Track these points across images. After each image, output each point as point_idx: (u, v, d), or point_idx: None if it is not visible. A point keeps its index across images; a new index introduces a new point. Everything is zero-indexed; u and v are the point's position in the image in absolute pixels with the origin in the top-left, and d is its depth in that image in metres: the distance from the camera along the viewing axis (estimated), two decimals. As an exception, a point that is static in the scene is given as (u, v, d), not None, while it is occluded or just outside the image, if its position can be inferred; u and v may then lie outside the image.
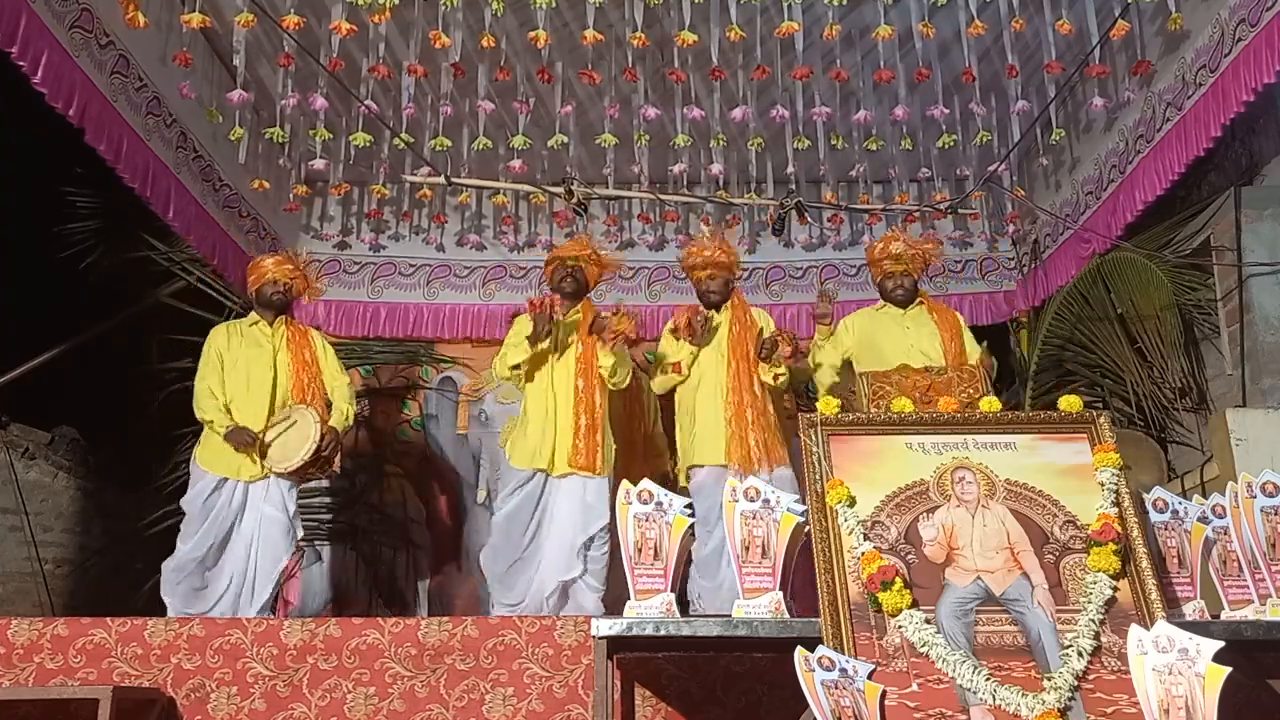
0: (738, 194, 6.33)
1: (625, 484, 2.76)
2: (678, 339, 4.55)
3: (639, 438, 5.23)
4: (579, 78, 5.39)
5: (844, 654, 2.40)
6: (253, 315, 4.60)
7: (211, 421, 4.29)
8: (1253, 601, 2.78)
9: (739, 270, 4.88)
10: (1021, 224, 6.85)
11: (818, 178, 6.47)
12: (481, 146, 5.49)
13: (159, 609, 4.14)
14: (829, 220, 6.89)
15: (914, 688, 2.41)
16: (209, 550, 4.18)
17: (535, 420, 4.37)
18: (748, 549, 2.70)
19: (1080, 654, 2.46)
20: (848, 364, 4.71)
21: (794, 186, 6.07)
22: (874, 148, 5.96)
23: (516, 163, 5.57)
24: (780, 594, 2.65)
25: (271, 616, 4.22)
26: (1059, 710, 2.36)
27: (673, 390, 4.71)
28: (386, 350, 6.82)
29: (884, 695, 2.36)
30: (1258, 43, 4.30)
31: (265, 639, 3.37)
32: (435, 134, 5.64)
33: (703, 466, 4.41)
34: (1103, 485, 2.74)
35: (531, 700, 3.26)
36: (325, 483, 6.38)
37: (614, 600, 4.49)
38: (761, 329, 4.58)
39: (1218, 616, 2.79)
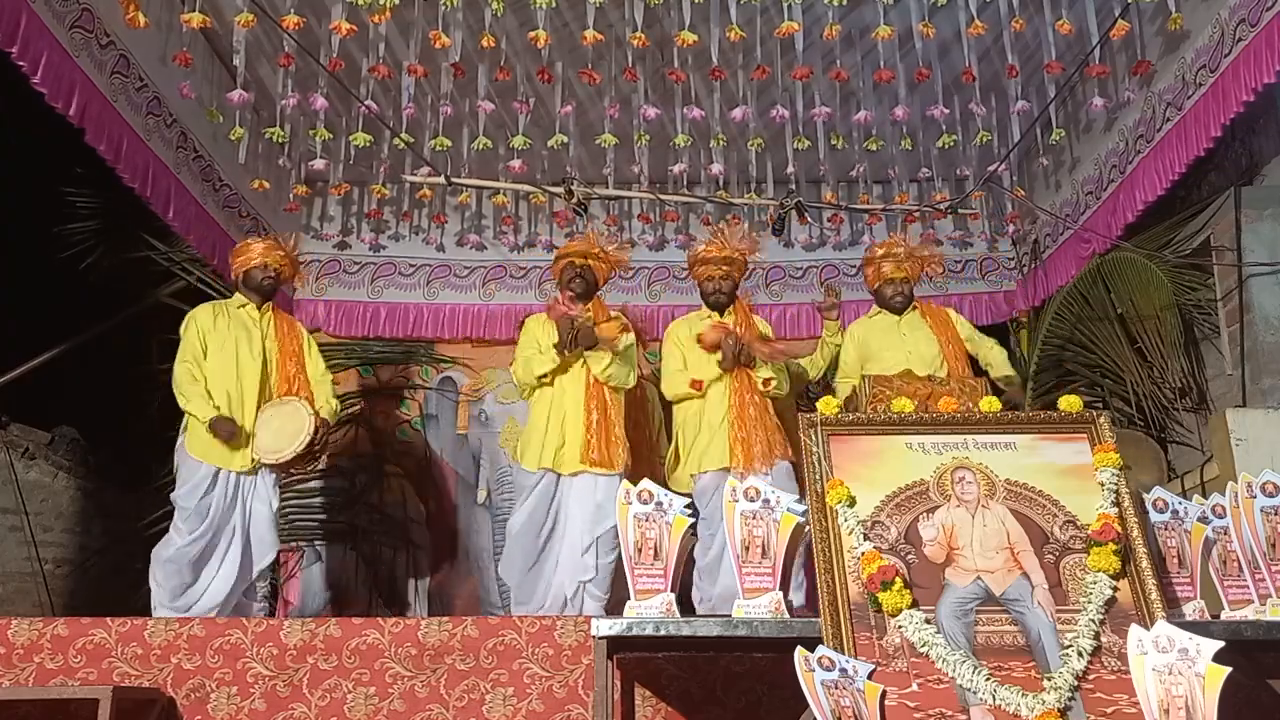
0: (738, 194, 6.32)
1: (625, 484, 2.77)
2: (707, 350, 4.45)
3: (643, 444, 5.22)
4: (579, 78, 5.39)
5: (844, 654, 2.40)
6: (239, 297, 4.51)
7: (194, 408, 4.18)
8: (1253, 601, 2.78)
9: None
10: (1021, 224, 6.85)
11: (818, 178, 6.47)
12: (481, 146, 5.49)
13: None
14: (829, 220, 6.89)
15: (914, 688, 2.41)
16: (204, 545, 4.13)
17: (544, 422, 4.35)
18: (748, 549, 2.70)
19: (1080, 654, 2.46)
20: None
21: (794, 186, 6.07)
22: (874, 148, 5.96)
23: (516, 163, 5.57)
24: (780, 594, 2.65)
25: (271, 617, 4.22)
26: (1059, 710, 2.36)
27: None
28: (386, 350, 6.82)
29: (884, 695, 2.36)
30: (1258, 43, 4.30)
31: (265, 639, 3.37)
32: (435, 134, 5.64)
33: (707, 472, 4.38)
34: (1103, 485, 2.74)
35: (531, 700, 3.26)
36: (321, 482, 6.40)
37: (614, 601, 4.50)
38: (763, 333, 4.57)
39: (1218, 616, 2.79)
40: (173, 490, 4.29)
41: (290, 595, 6.17)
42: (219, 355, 4.31)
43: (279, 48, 5.18)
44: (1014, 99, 5.54)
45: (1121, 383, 5.74)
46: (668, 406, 5.19)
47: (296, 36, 4.79)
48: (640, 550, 2.68)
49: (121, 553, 6.44)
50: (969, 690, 2.40)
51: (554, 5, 4.75)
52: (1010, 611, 2.55)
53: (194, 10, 4.49)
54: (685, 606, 2.82)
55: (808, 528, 2.73)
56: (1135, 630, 2.29)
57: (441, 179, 5.83)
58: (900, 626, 2.50)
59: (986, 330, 6.41)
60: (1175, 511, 2.90)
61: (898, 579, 2.54)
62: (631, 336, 4.56)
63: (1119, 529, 2.62)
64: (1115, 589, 2.58)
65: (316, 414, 4.32)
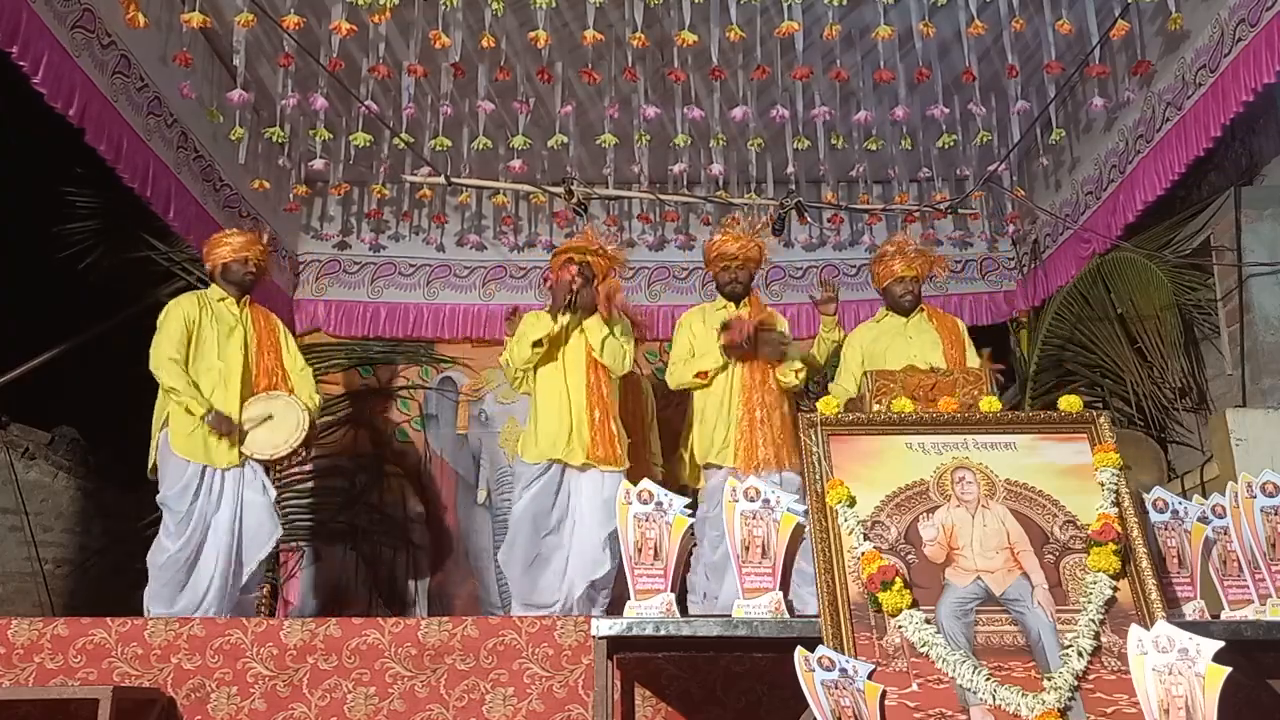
0: (738, 194, 6.32)
1: (625, 484, 2.77)
2: (730, 345, 4.40)
3: (637, 439, 5.22)
4: (579, 78, 5.39)
5: (844, 654, 2.40)
6: (216, 291, 4.42)
7: (185, 399, 4.10)
8: (1253, 601, 2.78)
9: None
10: (1021, 224, 6.85)
11: (818, 178, 6.47)
12: (481, 146, 5.49)
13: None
14: (829, 220, 6.89)
15: (914, 688, 2.41)
16: (194, 546, 4.09)
17: (549, 413, 4.29)
18: (748, 549, 2.70)
19: (1080, 654, 2.46)
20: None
21: (794, 186, 6.07)
22: (874, 148, 5.96)
23: (516, 163, 5.57)
24: (780, 594, 2.65)
25: (271, 616, 4.21)
26: (1059, 710, 2.36)
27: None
28: (386, 350, 6.82)
29: (884, 695, 2.36)
30: (1257, 43, 4.30)
31: (265, 639, 3.37)
32: (435, 134, 5.64)
33: (719, 468, 4.35)
34: (1103, 485, 2.74)
35: (531, 700, 3.26)
36: (322, 482, 6.40)
37: (614, 601, 4.50)
38: (778, 328, 4.50)
39: (1218, 616, 2.79)
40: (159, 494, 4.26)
41: (290, 595, 6.17)
42: (202, 348, 4.24)
43: (279, 48, 5.18)
44: (1014, 99, 5.54)
45: (1121, 383, 5.74)
46: (665, 402, 5.21)
47: (296, 36, 4.79)
48: (640, 550, 2.68)
49: (121, 553, 6.42)
50: (969, 690, 2.40)
51: (554, 5, 4.75)
52: (1010, 611, 2.55)
53: (194, 10, 4.49)
54: (682, 606, 2.82)
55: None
56: (1135, 630, 2.29)
57: (441, 179, 5.83)
58: (900, 626, 2.50)
59: (986, 330, 6.44)
60: (1175, 511, 2.90)
61: (898, 579, 2.54)
62: (628, 323, 4.52)
63: (1119, 529, 2.62)
64: (1115, 589, 2.58)
65: (307, 410, 4.31)
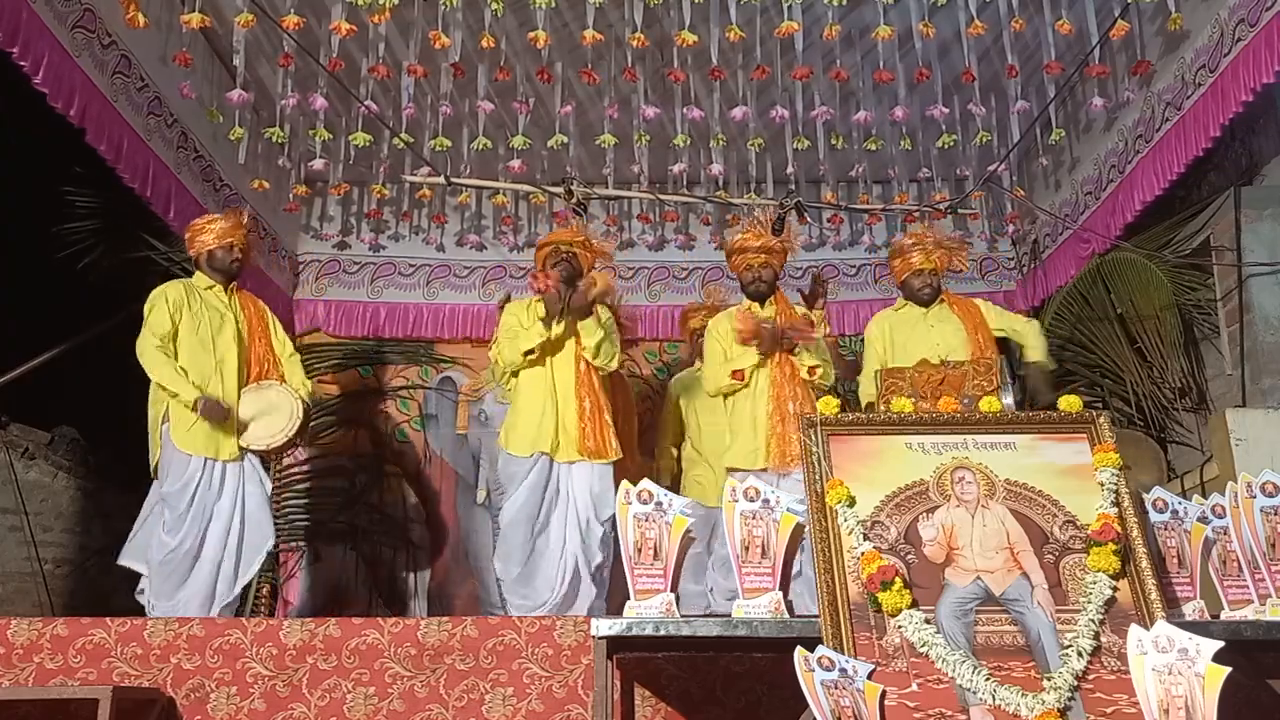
0: (738, 194, 6.32)
1: (625, 484, 2.76)
2: (743, 343, 4.35)
3: (625, 434, 5.23)
4: (579, 78, 5.39)
5: (844, 654, 2.40)
6: (203, 279, 4.35)
7: (173, 389, 4.04)
8: (1253, 601, 2.78)
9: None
10: (1021, 224, 6.86)
11: (818, 178, 6.47)
12: (481, 146, 5.50)
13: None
14: (829, 220, 6.89)
15: (914, 688, 2.41)
16: (194, 540, 4.07)
17: (534, 406, 4.26)
18: (747, 549, 2.70)
19: (1080, 654, 2.45)
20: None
21: (794, 186, 6.07)
22: (874, 148, 5.96)
23: (516, 163, 5.57)
24: (780, 594, 2.65)
25: (271, 617, 4.21)
26: (1059, 710, 2.36)
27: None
28: (386, 350, 6.82)
29: (884, 695, 2.36)
30: (1257, 43, 4.30)
31: (265, 639, 3.37)
32: (435, 134, 5.64)
33: (736, 470, 4.28)
34: (1103, 485, 2.73)
35: (531, 700, 3.26)
36: (322, 482, 6.39)
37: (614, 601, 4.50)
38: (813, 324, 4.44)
39: (1218, 616, 2.79)
40: (156, 482, 4.25)
41: (290, 595, 6.18)
42: (193, 338, 4.18)
43: (279, 48, 5.18)
44: (1014, 99, 5.54)
45: (1121, 383, 5.74)
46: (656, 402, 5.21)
47: (296, 36, 4.80)
48: (640, 550, 2.68)
49: (121, 552, 6.43)
50: (969, 690, 2.40)
51: (554, 5, 4.75)
52: (1010, 611, 2.55)
53: (194, 10, 4.49)
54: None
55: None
56: (1135, 630, 2.29)
57: (441, 179, 5.83)
58: (900, 626, 2.49)
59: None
60: (1175, 511, 2.89)
61: (897, 579, 2.54)
62: (613, 320, 4.50)
63: (1119, 529, 2.62)
64: (1115, 589, 2.57)
65: (300, 397, 4.30)
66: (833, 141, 5.91)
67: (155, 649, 3.35)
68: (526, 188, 6.06)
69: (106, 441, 6.84)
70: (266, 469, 4.35)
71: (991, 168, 6.24)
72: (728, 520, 2.73)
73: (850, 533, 2.66)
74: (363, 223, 6.90)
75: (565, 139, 5.72)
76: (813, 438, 2.84)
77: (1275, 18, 4.17)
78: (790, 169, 5.89)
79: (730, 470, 4.36)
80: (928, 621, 2.50)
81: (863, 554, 2.60)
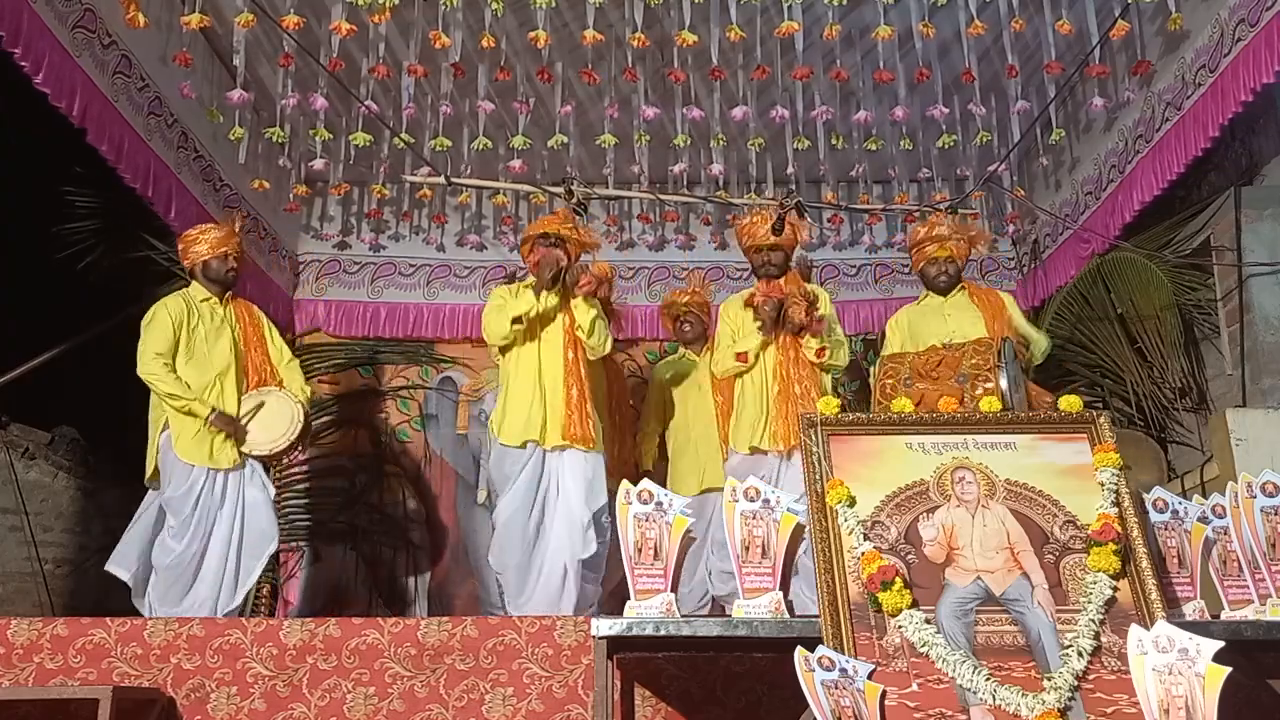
0: (738, 194, 6.32)
1: (625, 484, 2.76)
2: (755, 317, 4.35)
3: (623, 423, 5.25)
4: (579, 78, 5.39)
5: (844, 654, 2.40)
6: (200, 290, 4.37)
7: (185, 402, 4.10)
8: (1253, 601, 2.78)
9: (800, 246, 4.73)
10: (1021, 224, 6.86)
11: (818, 178, 6.47)
12: (481, 146, 5.50)
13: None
14: (829, 220, 6.89)
15: (914, 688, 2.41)
16: (199, 545, 4.10)
17: (523, 392, 4.24)
18: (748, 549, 2.70)
19: (1080, 654, 2.45)
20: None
21: (794, 186, 6.07)
22: (874, 148, 5.96)
23: (516, 163, 5.57)
24: (780, 594, 2.65)
25: (271, 617, 4.22)
26: (1059, 710, 2.36)
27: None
28: (386, 350, 6.82)
29: (884, 695, 2.36)
30: (1257, 43, 4.30)
31: (265, 639, 3.37)
32: (435, 134, 5.64)
33: (738, 452, 4.34)
34: (1103, 485, 2.73)
35: (531, 700, 3.26)
36: (322, 482, 6.39)
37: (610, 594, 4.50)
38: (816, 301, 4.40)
39: (1218, 616, 2.79)
40: (152, 489, 4.26)
41: (290, 595, 6.18)
42: (192, 350, 4.21)
43: (279, 48, 5.18)
44: (1014, 99, 5.54)
45: (1121, 383, 5.74)
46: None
47: (296, 36, 4.79)
48: (640, 550, 2.68)
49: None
50: (969, 690, 2.40)
51: (554, 5, 4.75)
52: (1010, 611, 2.55)
53: (194, 10, 4.49)
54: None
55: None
56: (1135, 630, 2.29)
57: (441, 179, 5.82)
58: (900, 626, 2.49)
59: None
60: (1175, 511, 2.89)
61: (898, 579, 2.54)
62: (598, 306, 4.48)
63: (1119, 529, 2.62)
64: (1115, 589, 2.57)
65: (300, 402, 4.31)
66: (833, 141, 5.91)
67: (155, 649, 3.35)
68: (527, 188, 6.06)
69: (106, 441, 6.84)
70: (267, 472, 4.36)
71: (991, 168, 6.24)
72: (728, 520, 2.73)
73: (850, 533, 2.66)
74: (363, 223, 6.90)
75: (565, 139, 5.72)
76: (813, 438, 2.84)
77: (1275, 18, 4.17)
78: (790, 169, 5.89)
79: (732, 451, 4.38)
80: (928, 621, 2.50)
81: (863, 554, 2.60)
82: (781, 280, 4.53)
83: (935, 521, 2.70)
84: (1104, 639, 2.49)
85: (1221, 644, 2.15)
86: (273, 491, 4.34)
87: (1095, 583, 2.57)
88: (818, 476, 2.77)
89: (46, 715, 3.21)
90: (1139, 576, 2.60)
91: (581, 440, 4.18)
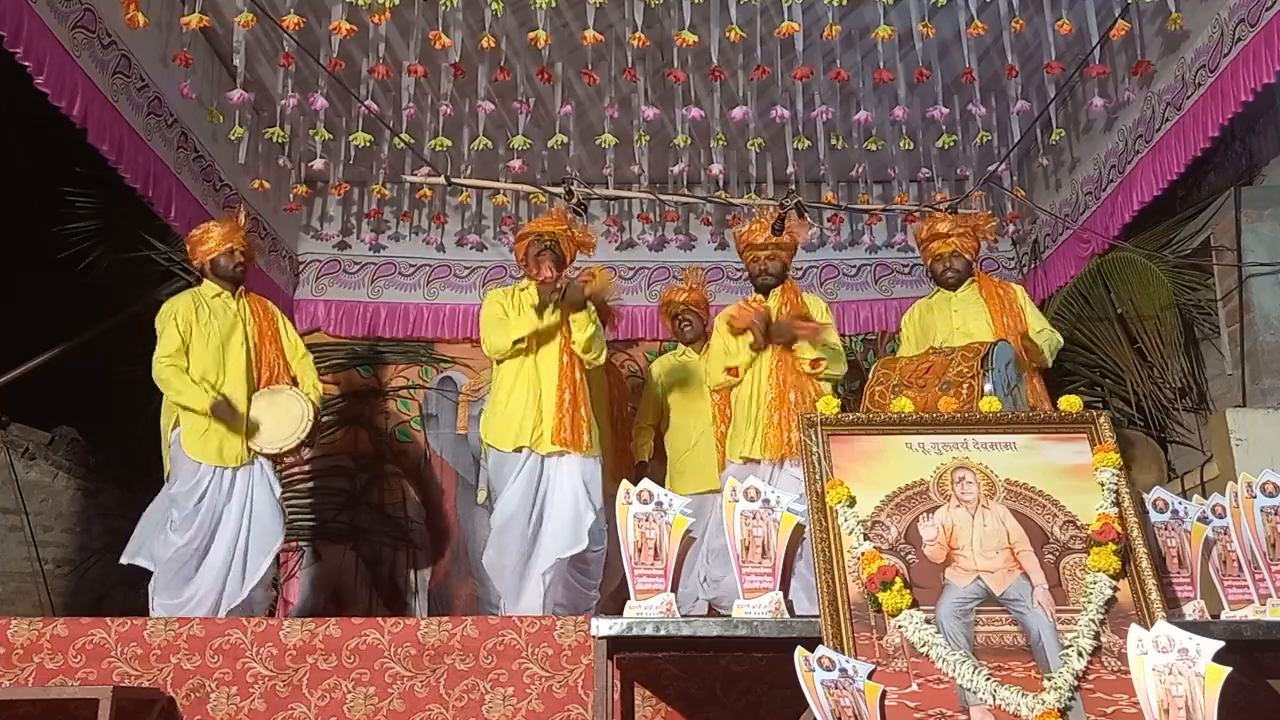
0: (738, 194, 6.32)
1: (625, 484, 2.76)
2: (735, 334, 4.37)
3: (617, 421, 5.26)
4: (579, 78, 5.39)
5: (844, 654, 2.40)
6: (211, 286, 4.40)
7: (188, 398, 4.12)
8: (1253, 601, 2.78)
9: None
10: (1021, 224, 6.86)
11: (818, 178, 6.47)
12: (481, 146, 5.49)
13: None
14: (829, 220, 6.89)
15: (914, 688, 2.41)
16: (202, 540, 4.12)
17: (518, 397, 4.24)
18: (748, 549, 2.70)
19: (1080, 654, 2.45)
20: None
21: (794, 186, 6.06)
22: (874, 148, 5.96)
23: (516, 163, 5.57)
24: (780, 594, 2.65)
25: (271, 616, 4.22)
26: (1059, 710, 2.36)
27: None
28: (386, 350, 6.82)
29: (884, 695, 2.36)
30: (1257, 43, 4.30)
31: (265, 639, 3.37)
32: (435, 134, 5.64)
33: (733, 461, 4.34)
34: (1103, 485, 2.73)
35: (531, 700, 3.26)
36: (322, 482, 6.39)
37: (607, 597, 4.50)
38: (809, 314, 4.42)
39: (1218, 616, 2.79)
40: (166, 484, 4.27)
41: (290, 595, 6.17)
42: (203, 348, 4.23)
43: (279, 48, 5.18)
44: (1014, 99, 5.54)
45: (1121, 383, 5.74)
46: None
47: (296, 36, 4.79)
48: (640, 550, 2.68)
49: (121, 553, 6.42)
50: (969, 690, 2.40)
51: (554, 5, 4.75)
52: (1010, 611, 2.55)
53: (194, 10, 4.49)
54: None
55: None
56: (1135, 630, 2.29)
57: (441, 179, 5.81)
58: (900, 626, 2.49)
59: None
60: (1175, 511, 2.89)
61: (898, 579, 2.54)
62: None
63: (1119, 529, 2.62)
64: (1115, 589, 2.57)
65: (309, 399, 4.32)
66: (833, 141, 5.91)
67: (155, 649, 3.35)
68: (526, 188, 6.06)
69: (106, 441, 6.85)
70: (275, 472, 4.37)
71: (991, 168, 6.24)
72: (728, 520, 2.73)
73: (850, 533, 2.66)
74: (363, 223, 6.90)
75: (565, 139, 5.72)
76: (813, 438, 2.84)
77: (1275, 18, 4.17)
78: (790, 169, 5.89)
79: (728, 460, 4.38)
80: (928, 621, 2.50)
81: (863, 554, 2.60)
82: (779, 289, 4.54)
83: (935, 521, 2.70)
84: (1104, 639, 2.49)
85: (1221, 644, 2.15)
86: (279, 491, 4.36)
87: (1095, 583, 2.57)
88: (818, 476, 2.77)
89: (46, 715, 3.22)
90: (1139, 576, 2.60)
91: (574, 445, 4.17)
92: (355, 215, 6.95)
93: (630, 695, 3.20)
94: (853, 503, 2.71)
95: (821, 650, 2.35)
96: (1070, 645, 2.48)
